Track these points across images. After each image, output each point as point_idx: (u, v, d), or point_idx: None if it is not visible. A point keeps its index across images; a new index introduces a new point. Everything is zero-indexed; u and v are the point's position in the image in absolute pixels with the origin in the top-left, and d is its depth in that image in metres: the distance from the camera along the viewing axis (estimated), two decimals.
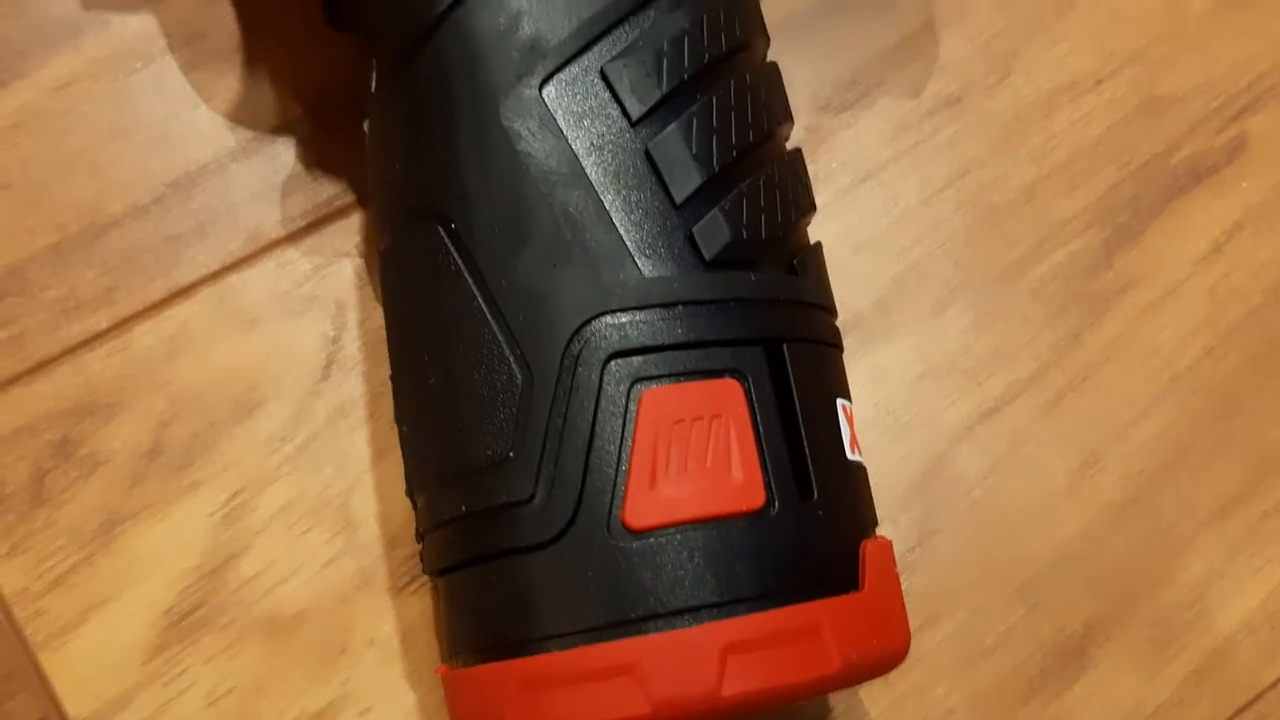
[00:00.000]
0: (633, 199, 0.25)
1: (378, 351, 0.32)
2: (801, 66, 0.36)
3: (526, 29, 0.26)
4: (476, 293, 0.25)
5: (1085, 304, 0.36)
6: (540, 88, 0.26)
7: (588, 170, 0.25)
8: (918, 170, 0.36)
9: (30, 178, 0.33)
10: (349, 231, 0.33)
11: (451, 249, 0.26)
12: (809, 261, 0.27)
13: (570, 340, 0.24)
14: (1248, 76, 0.39)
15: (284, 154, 0.34)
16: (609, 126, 0.26)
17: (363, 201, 0.34)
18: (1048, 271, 0.36)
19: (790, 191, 0.27)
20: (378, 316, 0.33)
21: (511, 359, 0.25)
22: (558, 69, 0.26)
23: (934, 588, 0.33)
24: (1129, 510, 0.35)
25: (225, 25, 0.34)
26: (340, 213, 0.33)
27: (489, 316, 0.25)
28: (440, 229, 0.26)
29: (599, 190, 0.25)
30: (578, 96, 0.26)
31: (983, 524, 0.34)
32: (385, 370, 0.31)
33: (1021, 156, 0.37)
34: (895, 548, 0.32)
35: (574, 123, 0.26)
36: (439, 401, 0.26)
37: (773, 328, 0.26)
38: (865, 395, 0.34)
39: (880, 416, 0.34)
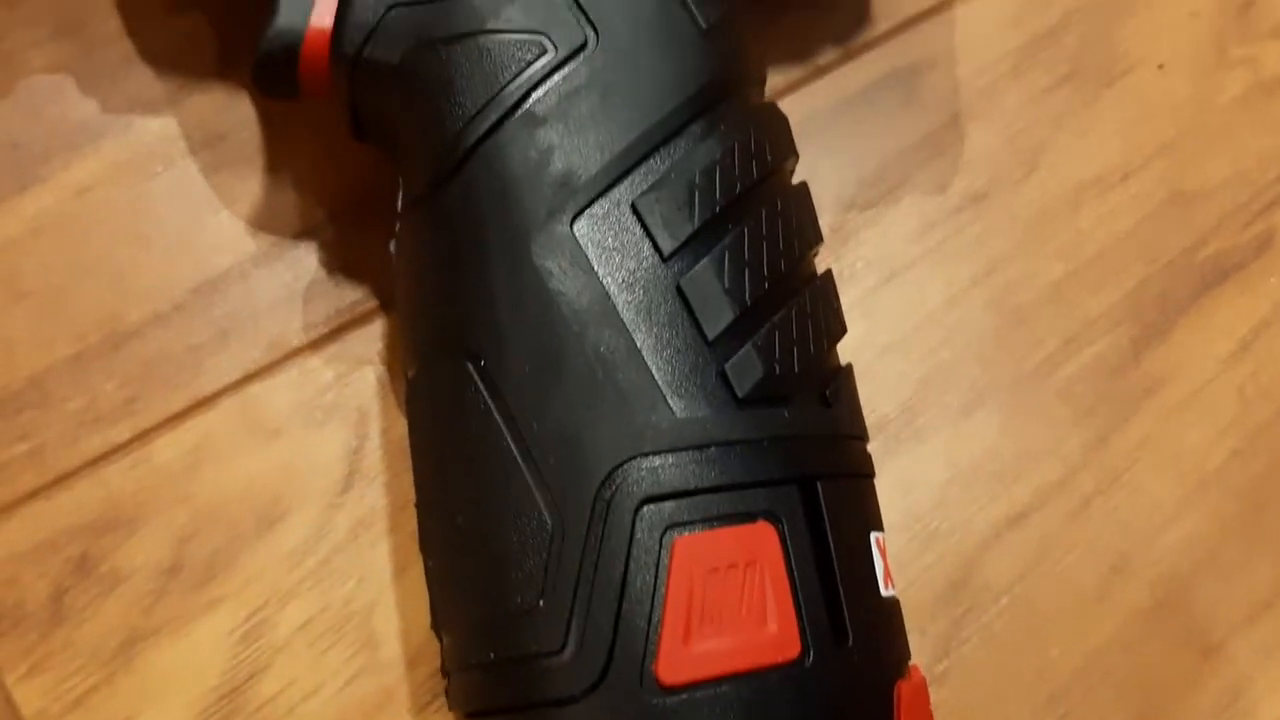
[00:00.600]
0: (664, 336, 0.25)
1: (400, 462, 0.32)
2: (826, 162, 0.36)
3: (558, 164, 0.26)
4: (506, 433, 0.25)
5: (1113, 405, 0.35)
6: (571, 223, 0.25)
7: (619, 308, 0.25)
8: (944, 268, 0.36)
9: (50, 285, 0.32)
10: (371, 338, 0.33)
11: (481, 387, 0.25)
12: (841, 390, 0.27)
13: (602, 485, 0.24)
14: (1275, 169, 0.38)
15: (306, 259, 0.33)
16: (640, 262, 0.25)
17: (385, 307, 0.33)
18: (1075, 371, 0.36)
19: (822, 319, 0.27)
20: (400, 426, 0.32)
21: (542, 504, 0.24)
22: (589, 203, 0.25)
23: (962, 701, 0.33)
24: (1158, 615, 0.34)
25: (247, 126, 0.34)
26: (363, 318, 0.33)
27: (519, 459, 0.25)
28: (470, 365, 0.25)
29: (631, 329, 0.25)
30: (609, 232, 0.25)
31: (1011, 633, 0.33)
32: (407, 481, 0.31)
33: (1049, 253, 0.36)
34: (923, 660, 0.32)
35: (605, 259, 0.25)
36: (467, 542, 0.25)
37: (807, 466, 0.25)
38: (893, 501, 0.33)
39: (908, 523, 0.34)
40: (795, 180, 0.29)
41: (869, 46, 0.37)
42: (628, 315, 0.25)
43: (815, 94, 0.36)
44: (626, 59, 0.27)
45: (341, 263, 0.33)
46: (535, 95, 0.26)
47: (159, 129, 0.34)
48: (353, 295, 0.33)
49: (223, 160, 0.34)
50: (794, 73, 0.37)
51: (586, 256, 0.25)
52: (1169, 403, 0.36)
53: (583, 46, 0.27)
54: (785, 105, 0.34)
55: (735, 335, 0.25)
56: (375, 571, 0.31)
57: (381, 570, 0.32)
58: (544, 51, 0.27)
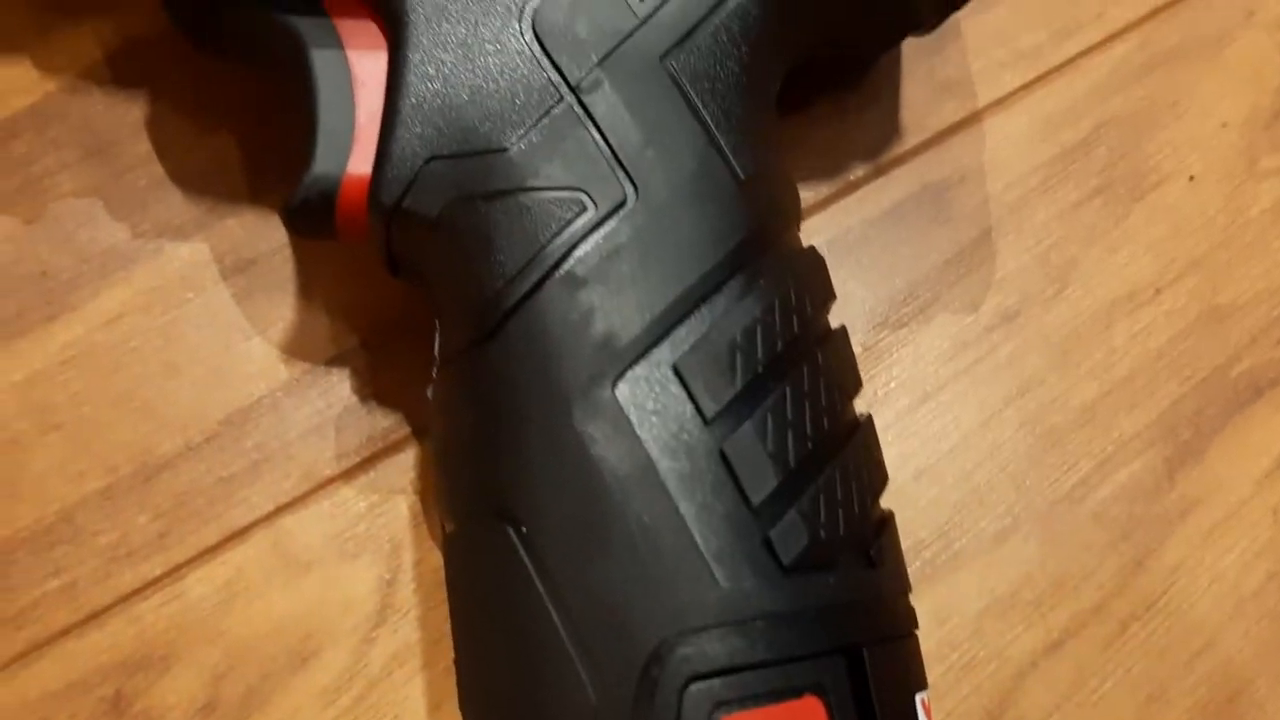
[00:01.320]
0: (708, 504, 0.25)
1: (434, 595, 0.32)
2: (858, 281, 0.36)
3: (599, 326, 0.25)
4: (548, 604, 0.25)
5: (1148, 528, 0.35)
6: (613, 387, 0.25)
7: (662, 475, 0.25)
8: (977, 390, 0.35)
9: (81, 416, 0.32)
10: (404, 467, 0.33)
11: (523, 555, 0.25)
12: (885, 547, 0.27)
13: (648, 663, 0.24)
14: None
15: (339, 386, 0.33)
16: (683, 426, 0.25)
17: (417, 434, 0.33)
18: (1110, 494, 0.35)
19: (865, 474, 0.27)
20: (433, 558, 0.32)
21: (585, 680, 0.24)
22: (630, 366, 0.25)
23: None
24: None
25: (278, 251, 0.34)
26: (395, 447, 0.33)
27: (561, 631, 0.24)
28: (511, 531, 0.25)
29: (674, 497, 0.25)
30: (651, 395, 0.25)
31: None
32: (441, 614, 0.31)
33: (1082, 373, 0.36)
34: None
35: (647, 423, 0.25)
36: (507, 711, 0.25)
37: (854, 634, 0.25)
38: (929, 630, 0.33)
39: (944, 653, 0.33)
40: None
41: (899, 161, 0.37)
42: (671, 482, 0.25)
43: (846, 210, 0.36)
44: (666, 216, 0.26)
45: (373, 389, 0.33)
46: (576, 254, 0.26)
47: (189, 254, 0.34)
48: (385, 422, 0.33)
49: (254, 285, 0.34)
50: (824, 189, 0.36)
51: (629, 421, 0.25)
52: (1204, 525, 0.36)
53: (622, 204, 0.26)
54: (816, 222, 0.34)
55: (779, 500, 0.25)
56: (411, 708, 0.31)
57: (416, 707, 0.31)
58: (584, 209, 0.26)
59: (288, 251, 0.34)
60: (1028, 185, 0.38)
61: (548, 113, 0.27)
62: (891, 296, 0.36)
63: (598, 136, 0.27)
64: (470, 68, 0.28)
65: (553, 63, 0.28)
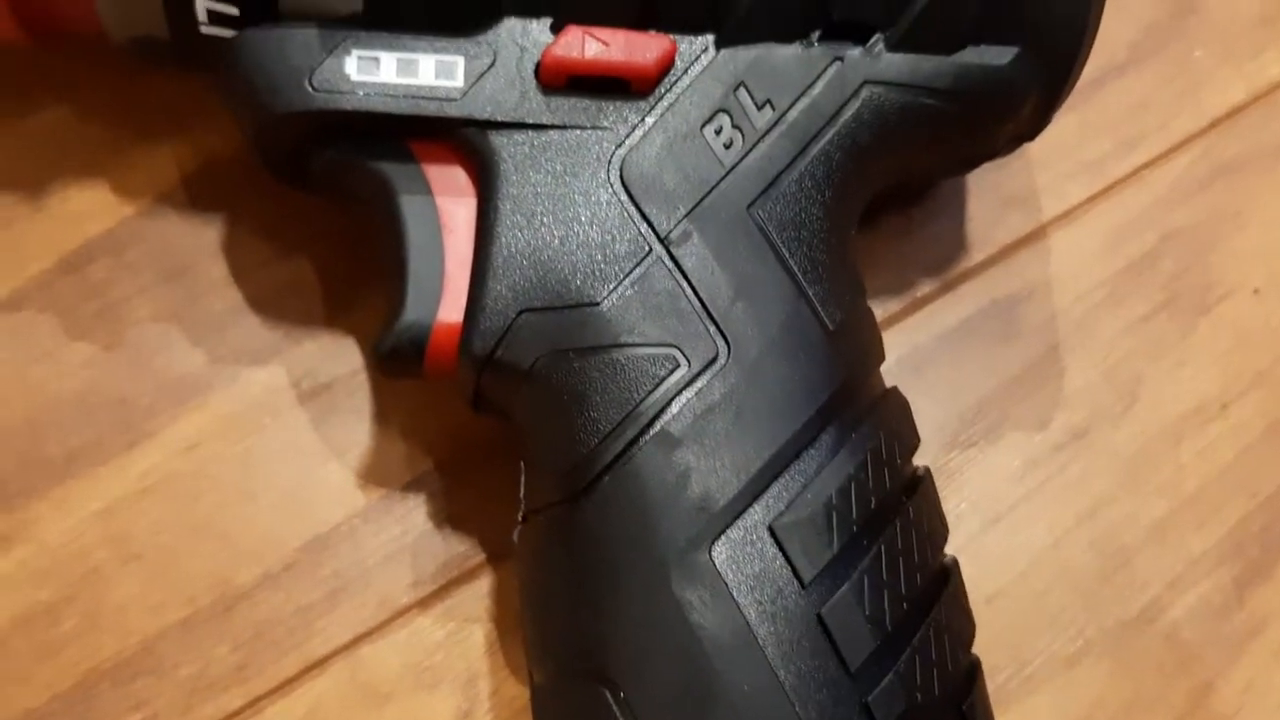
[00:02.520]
0: (807, 671, 0.25)
1: None
2: (927, 400, 0.36)
3: (695, 489, 0.26)
4: None
5: (1218, 648, 0.35)
6: (710, 550, 0.25)
7: (761, 642, 0.25)
8: (1048, 510, 0.36)
9: (160, 546, 0.32)
10: (479, 594, 0.33)
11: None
12: (976, 702, 0.27)
13: None
14: None
15: (414, 512, 0.33)
16: (780, 590, 0.25)
17: (492, 560, 0.33)
18: (1180, 614, 0.35)
19: (957, 627, 0.27)
20: (510, 687, 0.32)
21: None
22: (726, 528, 0.25)
23: None
24: None
25: (353, 374, 0.34)
26: (471, 574, 0.33)
27: None
28: (607, 694, 0.25)
29: (774, 664, 0.25)
30: (748, 559, 0.25)
31: None
32: None
33: (1150, 491, 0.36)
34: None
35: (745, 588, 0.25)
36: None
37: None
38: None
39: None
40: None
41: (966, 276, 0.37)
42: (770, 649, 0.25)
43: (915, 328, 0.36)
44: (758, 372, 0.27)
45: (449, 514, 0.33)
46: (670, 412, 0.26)
47: (266, 379, 0.34)
48: (460, 548, 0.33)
49: (329, 409, 0.34)
50: (893, 305, 0.37)
51: (726, 586, 0.25)
52: (1272, 644, 0.36)
53: (714, 359, 0.27)
54: (886, 339, 0.34)
55: (877, 663, 0.25)
56: None
57: None
58: (677, 366, 0.27)
59: (363, 375, 0.34)
60: (1094, 299, 0.38)
61: (638, 264, 0.27)
62: (961, 414, 0.36)
63: (689, 290, 0.27)
64: (560, 218, 0.28)
65: (641, 214, 0.28)
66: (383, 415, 0.34)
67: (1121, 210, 0.39)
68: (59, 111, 0.35)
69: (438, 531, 0.33)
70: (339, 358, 0.34)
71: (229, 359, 0.34)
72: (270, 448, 0.33)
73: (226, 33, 0.29)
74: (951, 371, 0.36)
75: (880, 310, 0.36)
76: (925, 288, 0.37)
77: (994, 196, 0.38)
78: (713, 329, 0.27)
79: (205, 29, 0.29)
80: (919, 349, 0.36)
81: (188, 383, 0.33)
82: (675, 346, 0.27)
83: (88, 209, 0.34)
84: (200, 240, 0.34)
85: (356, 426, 0.34)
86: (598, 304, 0.27)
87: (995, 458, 0.36)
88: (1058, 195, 0.38)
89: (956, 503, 0.35)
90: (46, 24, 0.31)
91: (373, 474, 0.33)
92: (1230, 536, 0.36)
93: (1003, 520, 0.35)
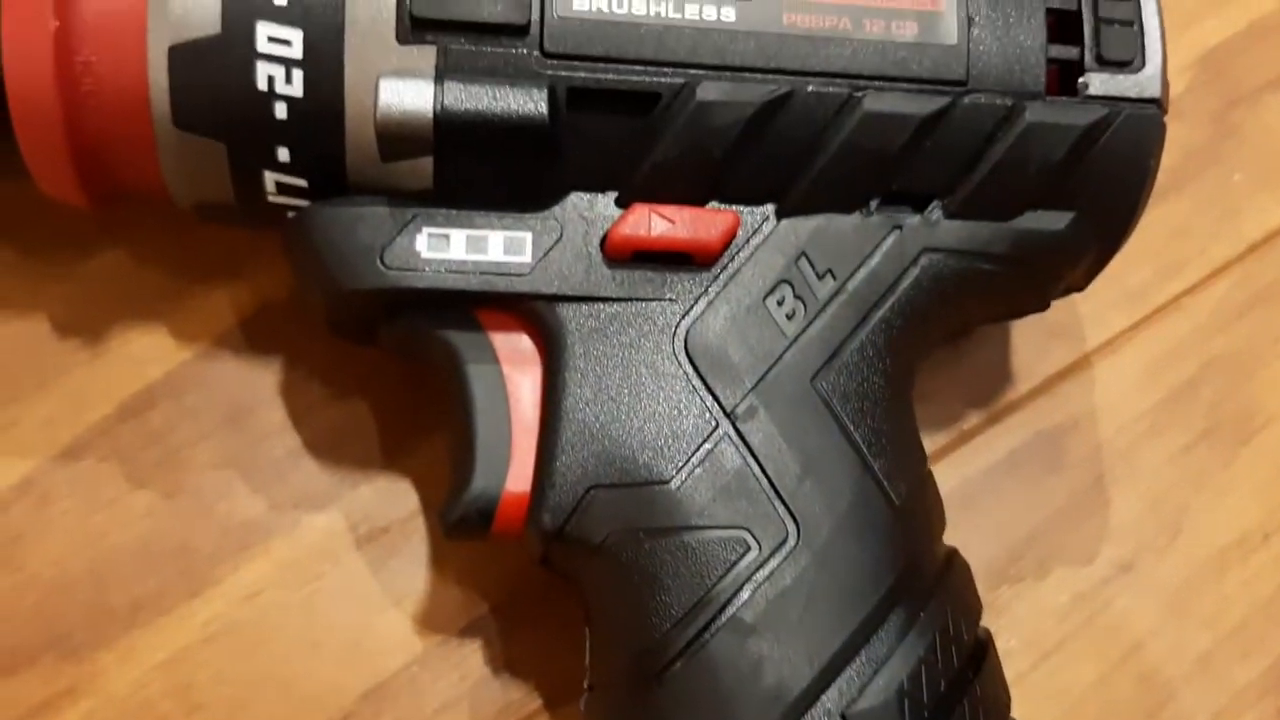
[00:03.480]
0: None
1: None
2: (976, 534, 0.36)
3: (769, 677, 0.26)
4: None
5: None
6: None
7: None
8: (1094, 645, 0.36)
9: (223, 696, 0.33)
10: None
11: None
12: None
13: None
14: None
15: (471, 657, 0.34)
16: None
17: (549, 706, 0.34)
18: None
19: None
20: None
21: None
22: (800, 716, 0.26)
23: None
24: None
25: (410, 519, 0.34)
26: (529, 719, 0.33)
27: None
28: None
29: None
30: None
31: None
32: None
33: (1195, 623, 0.37)
34: None
35: None
36: None
37: None
38: None
39: None
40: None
41: (1013, 408, 0.38)
42: None
43: (962, 461, 0.37)
44: (828, 555, 0.27)
45: (505, 658, 0.34)
46: (742, 598, 0.27)
47: (325, 524, 0.34)
48: (516, 694, 0.34)
49: (387, 554, 0.34)
50: (940, 438, 0.37)
51: None
52: None
53: (784, 541, 0.27)
54: (935, 473, 0.35)
55: None
56: None
57: None
58: (748, 549, 0.27)
59: (419, 519, 0.34)
60: (1137, 430, 0.38)
61: (706, 441, 0.28)
62: (1009, 549, 0.36)
63: (757, 469, 0.28)
64: (627, 392, 0.28)
65: (707, 387, 0.28)
66: (439, 560, 0.34)
67: (1162, 338, 0.39)
68: (116, 256, 0.35)
69: (495, 678, 0.34)
70: (396, 501, 0.35)
71: (289, 504, 0.34)
72: (330, 595, 0.34)
73: (294, 201, 0.30)
74: (999, 505, 0.37)
75: (929, 443, 0.36)
76: (972, 419, 0.37)
77: (1038, 327, 0.38)
78: (782, 509, 0.27)
79: (273, 198, 0.30)
80: (967, 482, 0.37)
81: (249, 529, 0.34)
82: (746, 529, 0.27)
83: (147, 353, 0.35)
84: (259, 384, 0.35)
85: (414, 571, 0.34)
86: (667, 482, 0.28)
87: (1043, 593, 0.36)
88: (1100, 324, 0.39)
89: (1005, 639, 0.36)
90: (111, 190, 0.31)
91: (430, 619, 0.34)
92: (1275, 667, 0.37)
93: (1051, 657, 0.36)
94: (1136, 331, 0.39)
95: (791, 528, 0.27)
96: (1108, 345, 0.39)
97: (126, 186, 0.31)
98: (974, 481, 0.37)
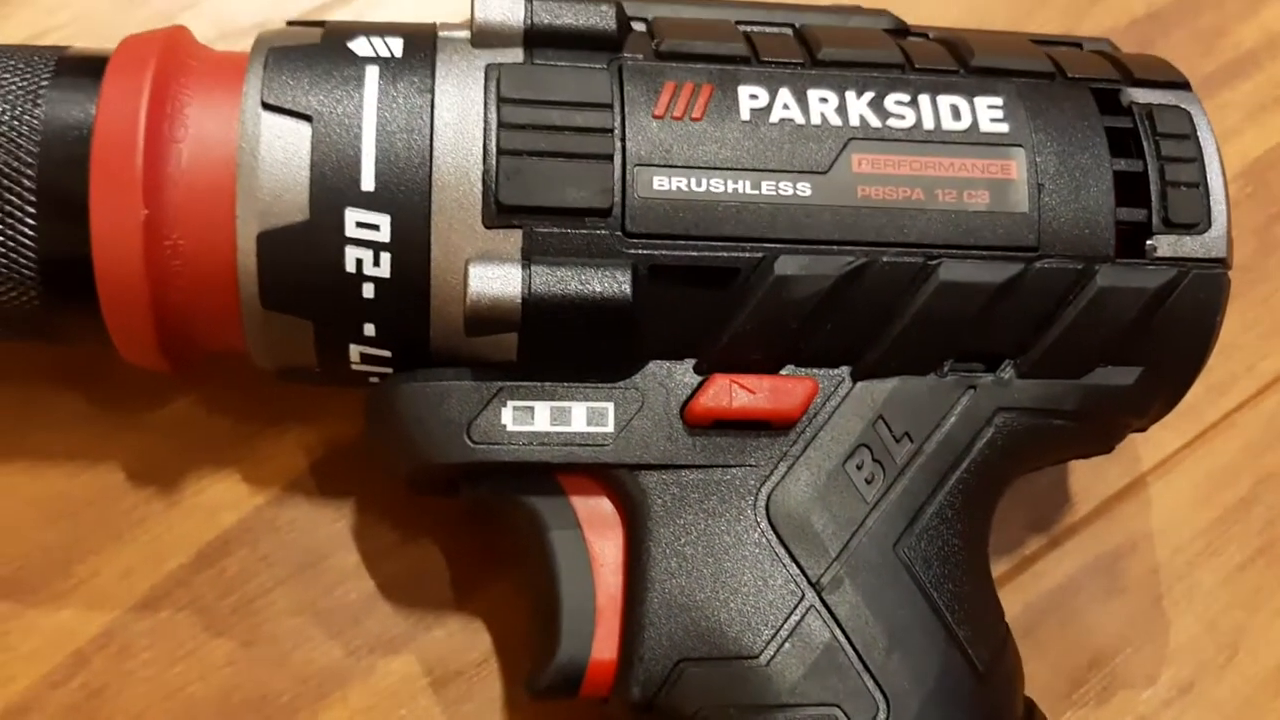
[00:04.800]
0: None
1: None
2: (1039, 661, 0.36)
3: None
4: None
5: None
6: None
7: None
8: None
9: None
10: None
11: None
12: None
13: None
14: None
15: None
16: None
17: None
18: None
19: None
20: None
21: None
22: None
23: None
24: None
25: (483, 662, 0.35)
26: None
27: None
28: None
29: None
30: None
31: None
32: None
33: None
34: None
35: None
36: None
37: None
38: None
39: None
40: None
41: (1071, 532, 0.38)
42: None
43: (1024, 587, 0.37)
44: None
45: None
46: None
47: (400, 668, 0.35)
48: None
49: (461, 697, 0.35)
50: (1002, 564, 0.37)
51: None
52: None
53: (874, 718, 0.27)
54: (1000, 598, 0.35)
55: None
56: None
57: None
58: None
59: (493, 662, 0.35)
60: (1193, 550, 0.39)
61: (793, 612, 0.28)
62: (1071, 674, 0.37)
63: (845, 643, 0.28)
64: (712, 561, 0.29)
65: (791, 557, 0.29)
66: (513, 703, 0.35)
67: (1215, 456, 0.40)
68: (187, 404, 0.36)
69: None
70: (469, 644, 0.35)
71: (364, 650, 0.35)
72: None
73: (378, 369, 0.30)
74: (1061, 630, 0.37)
75: (992, 570, 0.37)
76: (1033, 545, 0.38)
77: None
78: (871, 684, 0.28)
79: (356, 367, 0.30)
80: (1029, 608, 0.37)
81: (326, 676, 0.34)
82: (837, 705, 0.28)
83: (221, 501, 0.35)
84: (331, 528, 0.35)
85: (489, 715, 0.35)
86: (757, 657, 0.28)
87: (1106, 718, 0.37)
88: (1154, 444, 0.39)
89: None
90: (192, 357, 0.32)
91: None
92: None
93: None
94: (1189, 450, 0.40)
95: (881, 703, 0.28)
96: (1162, 465, 0.39)
97: (208, 352, 0.32)
98: (1036, 607, 0.37)
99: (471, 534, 0.35)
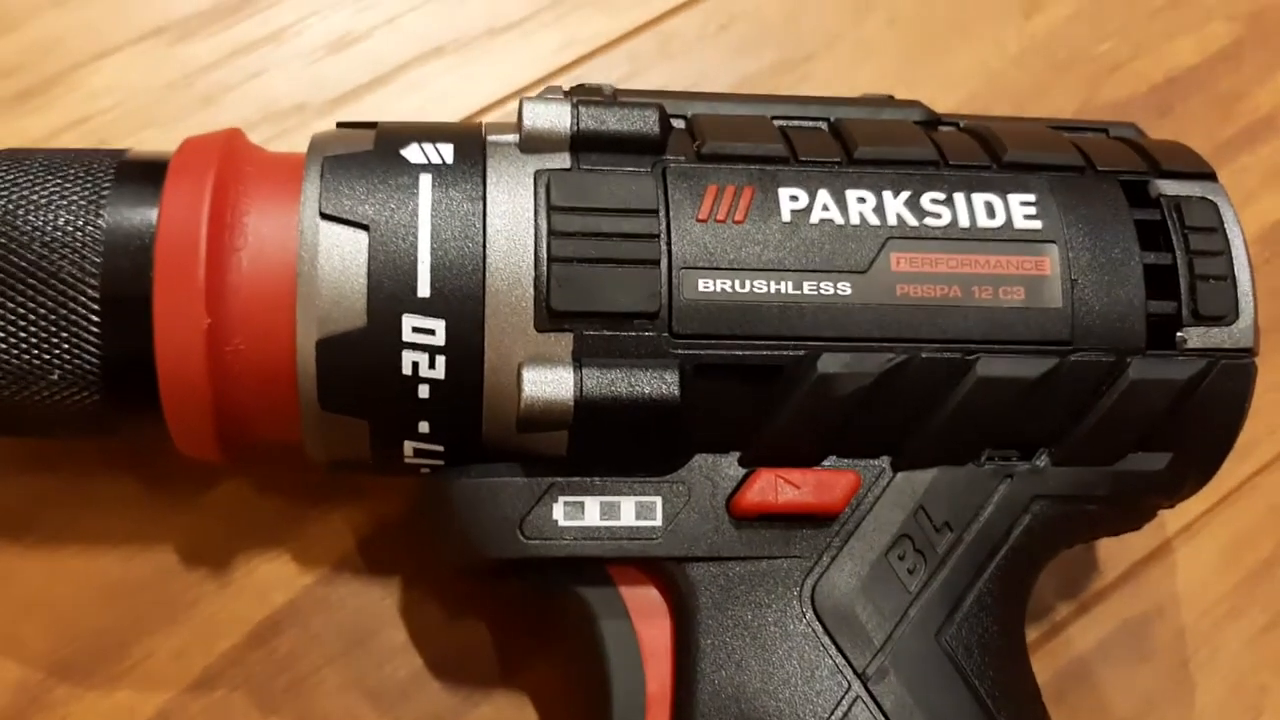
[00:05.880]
0: None
1: None
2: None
3: None
4: None
5: None
6: None
7: None
8: None
9: None
10: None
11: None
12: None
13: None
14: None
15: None
16: None
17: None
18: None
19: None
20: None
21: None
22: None
23: None
24: None
25: None
26: None
27: None
28: None
29: None
30: None
31: None
32: None
33: None
34: None
35: None
36: None
37: None
38: None
39: None
40: None
41: (1100, 598, 0.39)
42: None
43: (1056, 653, 0.38)
44: None
45: None
46: None
47: None
48: None
49: None
50: (1034, 632, 0.38)
51: None
52: None
53: None
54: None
55: None
56: None
57: None
58: None
59: None
60: (1218, 613, 0.39)
61: (839, 703, 0.29)
62: None
63: None
64: (760, 652, 0.30)
65: (837, 647, 0.30)
66: None
67: (1237, 520, 0.40)
68: (236, 485, 0.37)
69: None
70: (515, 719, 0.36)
71: None
72: None
73: (430, 462, 0.31)
74: (1091, 695, 0.38)
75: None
76: (1062, 611, 0.39)
77: None
78: None
79: (409, 460, 0.31)
80: (1060, 674, 0.38)
81: None
82: None
83: (271, 580, 0.36)
84: (380, 606, 0.36)
85: None
86: None
87: None
88: (1179, 509, 0.39)
89: None
90: (247, 452, 0.33)
91: None
92: None
93: None
94: (1213, 514, 0.40)
95: None
96: (1186, 530, 0.40)
97: (262, 445, 0.33)
98: (1067, 673, 0.38)
99: (517, 612, 0.36)
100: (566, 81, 0.42)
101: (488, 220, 0.29)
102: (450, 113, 0.41)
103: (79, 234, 0.29)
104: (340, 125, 0.32)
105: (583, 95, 0.32)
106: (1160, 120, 0.45)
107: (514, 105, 0.41)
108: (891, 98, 0.35)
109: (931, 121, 0.34)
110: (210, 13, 0.42)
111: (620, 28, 0.43)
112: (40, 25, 0.41)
